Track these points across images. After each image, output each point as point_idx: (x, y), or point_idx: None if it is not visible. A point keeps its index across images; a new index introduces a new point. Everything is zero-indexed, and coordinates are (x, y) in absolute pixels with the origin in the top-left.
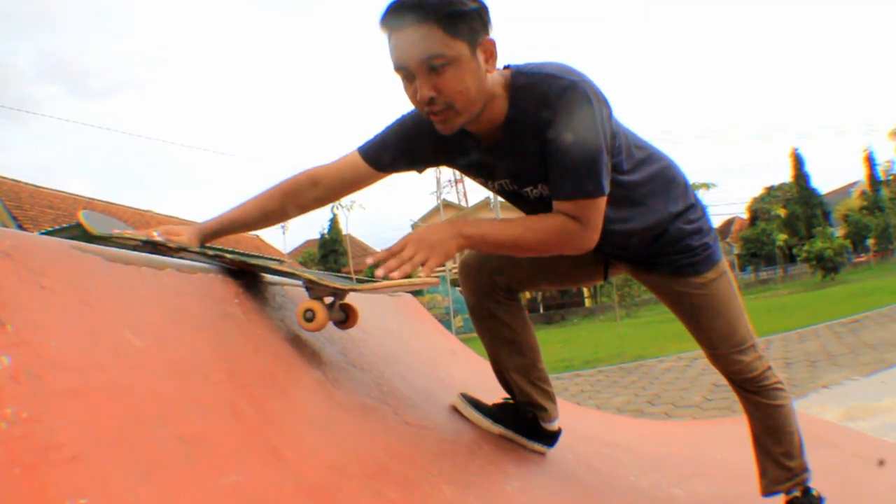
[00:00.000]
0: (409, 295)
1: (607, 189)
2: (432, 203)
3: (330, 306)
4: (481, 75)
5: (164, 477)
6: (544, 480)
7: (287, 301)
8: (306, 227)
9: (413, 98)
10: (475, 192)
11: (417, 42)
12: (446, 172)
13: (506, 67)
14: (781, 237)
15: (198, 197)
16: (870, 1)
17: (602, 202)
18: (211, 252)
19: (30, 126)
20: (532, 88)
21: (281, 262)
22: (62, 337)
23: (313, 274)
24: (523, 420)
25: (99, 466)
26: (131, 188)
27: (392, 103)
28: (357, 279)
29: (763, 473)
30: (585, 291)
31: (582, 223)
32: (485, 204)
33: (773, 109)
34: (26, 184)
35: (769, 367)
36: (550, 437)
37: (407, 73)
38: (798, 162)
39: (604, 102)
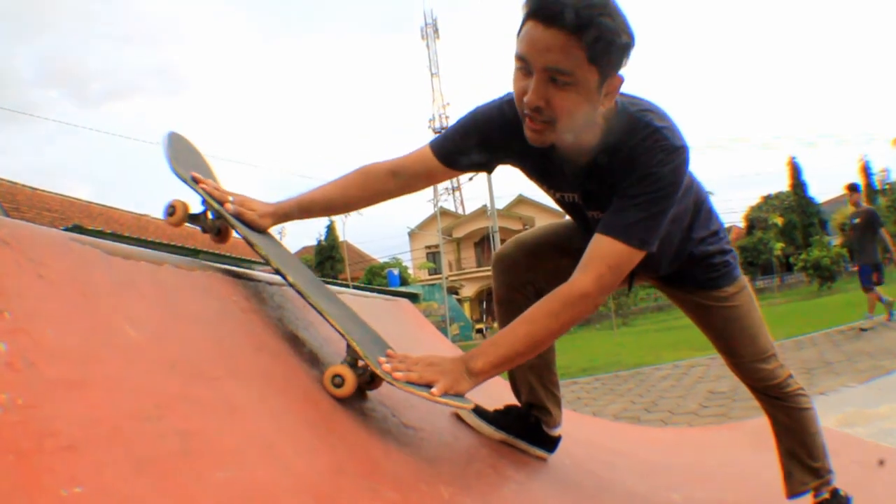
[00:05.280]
0: (407, 301)
1: (653, 248)
2: (429, 211)
3: (360, 371)
4: (595, 107)
5: (160, 469)
6: (542, 484)
7: (286, 301)
8: (303, 234)
9: (520, 94)
10: (472, 200)
11: (554, 48)
12: None
13: None
14: (778, 246)
15: (195, 203)
16: (867, 11)
17: (639, 257)
18: (274, 265)
19: (29, 129)
20: (634, 131)
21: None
22: (60, 326)
23: (360, 344)
24: (526, 425)
25: (94, 456)
26: (129, 193)
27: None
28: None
29: (788, 476)
30: None
31: (597, 276)
32: (482, 212)
33: (771, 119)
34: (24, 186)
35: (790, 375)
36: (551, 443)
37: (526, 68)
38: (796, 171)
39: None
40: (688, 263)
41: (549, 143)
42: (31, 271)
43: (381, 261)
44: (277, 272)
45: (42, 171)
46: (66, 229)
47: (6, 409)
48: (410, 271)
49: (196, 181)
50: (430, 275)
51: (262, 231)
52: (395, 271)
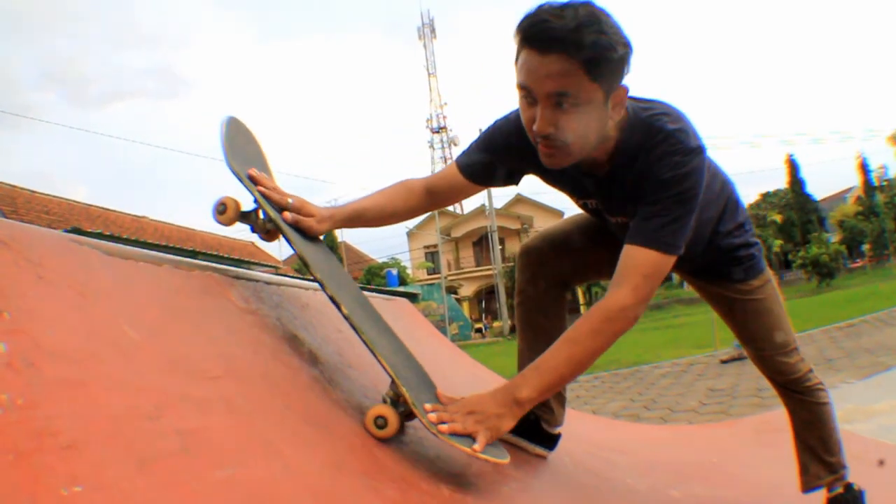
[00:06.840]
0: (406, 300)
1: (681, 251)
2: None
3: (401, 409)
4: (604, 122)
5: (160, 467)
6: (542, 482)
7: (283, 300)
8: None
9: (529, 122)
10: (470, 200)
11: (555, 74)
12: None
13: None
14: (777, 243)
15: (193, 205)
16: (865, 8)
17: (671, 262)
18: (329, 291)
19: (28, 132)
20: (648, 137)
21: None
22: (59, 327)
23: (407, 388)
24: (526, 422)
25: (95, 455)
26: (128, 195)
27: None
28: None
29: (804, 470)
30: (581, 298)
31: (633, 287)
32: (480, 211)
33: (769, 116)
34: (22, 188)
35: (811, 370)
36: (551, 441)
37: (529, 96)
38: (793, 168)
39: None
40: (714, 256)
41: (567, 165)
42: (30, 272)
43: (380, 261)
44: (332, 300)
45: (41, 174)
46: (65, 231)
47: (6, 409)
48: (409, 271)
49: (254, 181)
50: (428, 274)
51: (315, 237)
52: (394, 271)
